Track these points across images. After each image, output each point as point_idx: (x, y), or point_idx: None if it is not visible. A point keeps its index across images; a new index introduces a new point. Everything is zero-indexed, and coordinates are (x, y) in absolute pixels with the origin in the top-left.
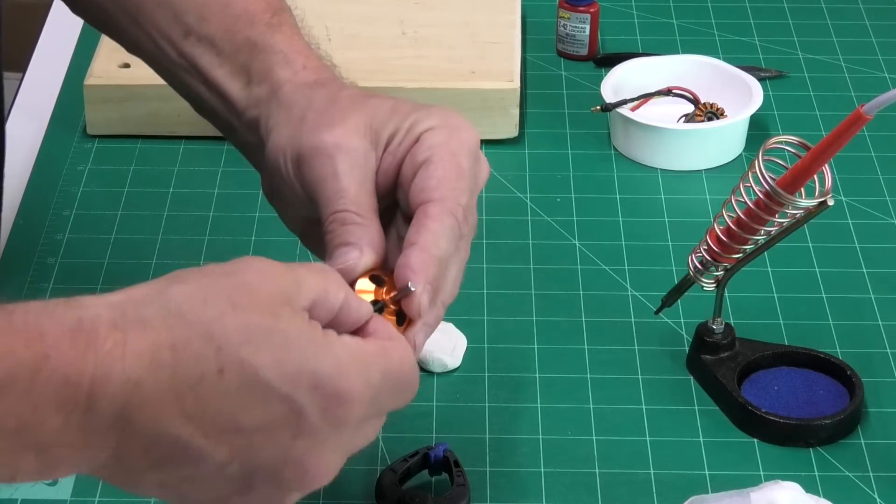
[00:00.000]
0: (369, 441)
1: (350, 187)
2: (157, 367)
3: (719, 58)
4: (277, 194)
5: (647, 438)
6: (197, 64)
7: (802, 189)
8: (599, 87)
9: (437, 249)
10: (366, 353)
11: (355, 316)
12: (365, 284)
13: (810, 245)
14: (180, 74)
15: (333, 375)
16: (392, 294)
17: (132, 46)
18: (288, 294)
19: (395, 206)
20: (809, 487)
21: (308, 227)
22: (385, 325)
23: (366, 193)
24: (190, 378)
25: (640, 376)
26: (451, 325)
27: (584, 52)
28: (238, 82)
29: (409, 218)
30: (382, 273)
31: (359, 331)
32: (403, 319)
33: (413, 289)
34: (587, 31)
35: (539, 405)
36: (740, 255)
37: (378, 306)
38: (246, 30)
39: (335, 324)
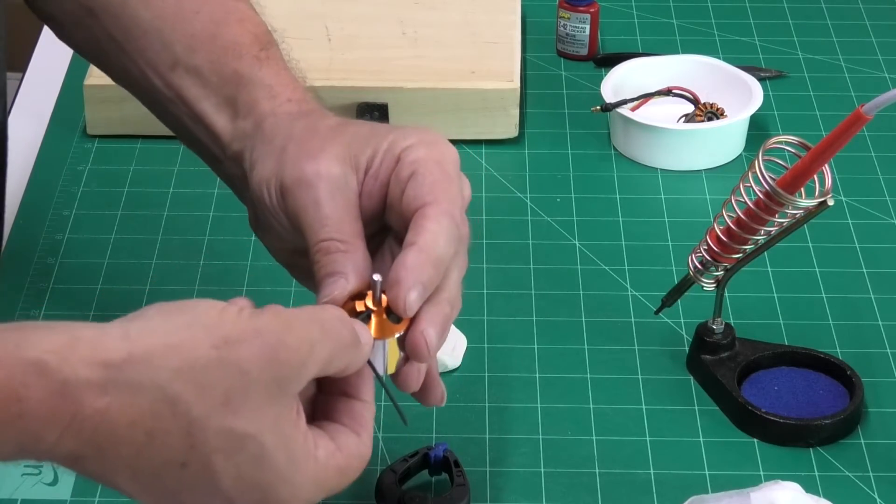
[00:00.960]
0: None
1: (332, 214)
2: (125, 444)
3: (719, 58)
4: (264, 226)
5: (647, 438)
6: (184, 95)
7: (802, 189)
8: (599, 87)
9: (435, 248)
10: (327, 478)
11: (350, 372)
12: (349, 304)
13: (810, 245)
14: (167, 105)
15: (286, 501)
16: (368, 295)
17: (119, 76)
18: (284, 383)
19: (384, 231)
20: (809, 487)
21: (295, 258)
22: (368, 387)
23: (349, 218)
24: (154, 462)
25: (640, 376)
26: (451, 325)
27: (584, 52)
28: (224, 116)
29: (403, 236)
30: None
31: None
32: (398, 318)
33: (377, 278)
34: (587, 31)
35: (539, 405)
36: (740, 255)
37: (366, 313)
38: (233, 62)
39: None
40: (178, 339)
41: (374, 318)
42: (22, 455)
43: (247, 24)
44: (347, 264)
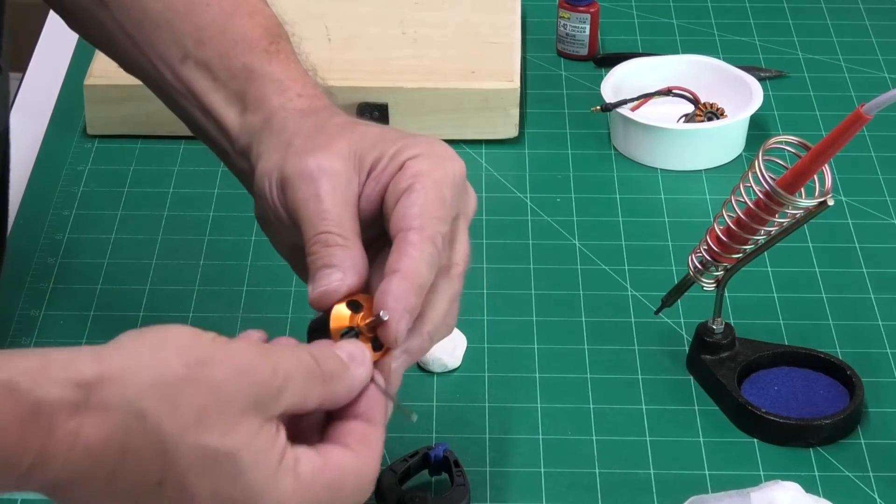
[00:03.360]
0: None
1: (332, 209)
2: (100, 464)
3: (719, 58)
4: (265, 220)
5: (647, 438)
6: (193, 89)
7: (802, 189)
8: (599, 87)
9: (418, 277)
10: (312, 494)
11: (339, 405)
12: (342, 310)
13: (810, 245)
14: (177, 97)
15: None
16: (367, 321)
17: (130, 66)
18: (261, 402)
19: (383, 236)
20: (809, 487)
21: (296, 254)
22: (377, 408)
23: (348, 216)
24: (128, 480)
25: (640, 376)
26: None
27: (584, 52)
28: (233, 109)
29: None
30: (362, 298)
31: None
32: (381, 346)
33: (385, 318)
34: (587, 31)
35: (539, 405)
36: (740, 255)
37: (353, 332)
38: (243, 56)
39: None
40: (148, 358)
41: (360, 340)
42: None
43: (257, 18)
44: (345, 259)
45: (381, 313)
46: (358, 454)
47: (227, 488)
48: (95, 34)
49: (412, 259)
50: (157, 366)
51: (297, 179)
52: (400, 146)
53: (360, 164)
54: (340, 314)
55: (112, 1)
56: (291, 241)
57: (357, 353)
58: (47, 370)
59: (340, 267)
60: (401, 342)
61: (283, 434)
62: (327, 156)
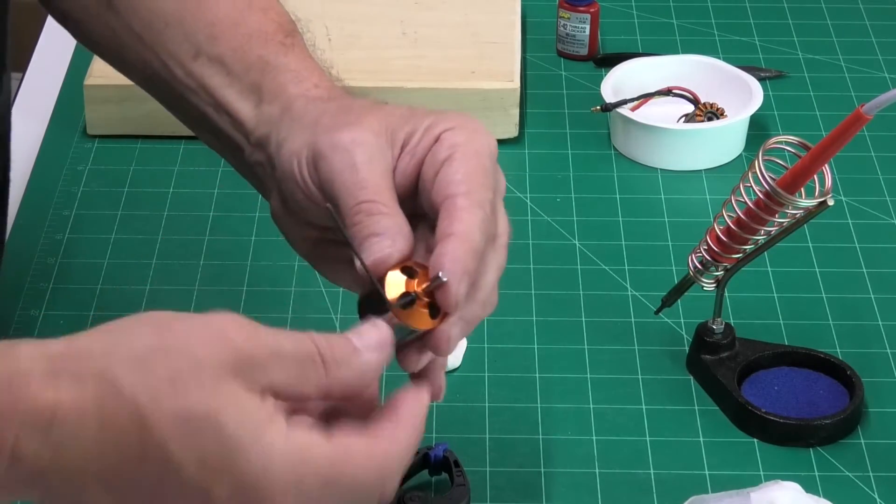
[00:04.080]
0: None
1: (370, 177)
2: (81, 437)
3: (719, 58)
4: (289, 209)
5: (647, 438)
6: (206, 84)
7: (802, 189)
8: (599, 87)
9: (473, 240)
10: (308, 463)
11: (352, 392)
12: (396, 276)
13: (810, 245)
14: (187, 96)
15: (256, 484)
16: (424, 285)
17: (139, 70)
18: (241, 367)
19: (416, 218)
20: (809, 487)
21: (318, 248)
22: (408, 405)
23: (386, 185)
24: (112, 455)
25: (640, 376)
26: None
27: (584, 52)
28: (248, 102)
29: (432, 219)
30: (415, 264)
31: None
32: (437, 312)
33: (444, 279)
34: (587, 31)
35: (539, 405)
36: (740, 255)
37: (410, 298)
38: (258, 49)
39: (328, 398)
40: (117, 330)
41: (416, 307)
42: None
43: (270, 13)
44: (392, 226)
45: (440, 274)
46: (373, 438)
47: (213, 454)
48: (101, 39)
49: (465, 223)
50: (127, 337)
51: (331, 152)
52: (433, 120)
53: (393, 138)
54: (395, 281)
55: (120, 2)
56: (314, 233)
57: (372, 338)
58: (15, 348)
59: (388, 234)
60: (461, 305)
61: (271, 402)
62: (360, 129)
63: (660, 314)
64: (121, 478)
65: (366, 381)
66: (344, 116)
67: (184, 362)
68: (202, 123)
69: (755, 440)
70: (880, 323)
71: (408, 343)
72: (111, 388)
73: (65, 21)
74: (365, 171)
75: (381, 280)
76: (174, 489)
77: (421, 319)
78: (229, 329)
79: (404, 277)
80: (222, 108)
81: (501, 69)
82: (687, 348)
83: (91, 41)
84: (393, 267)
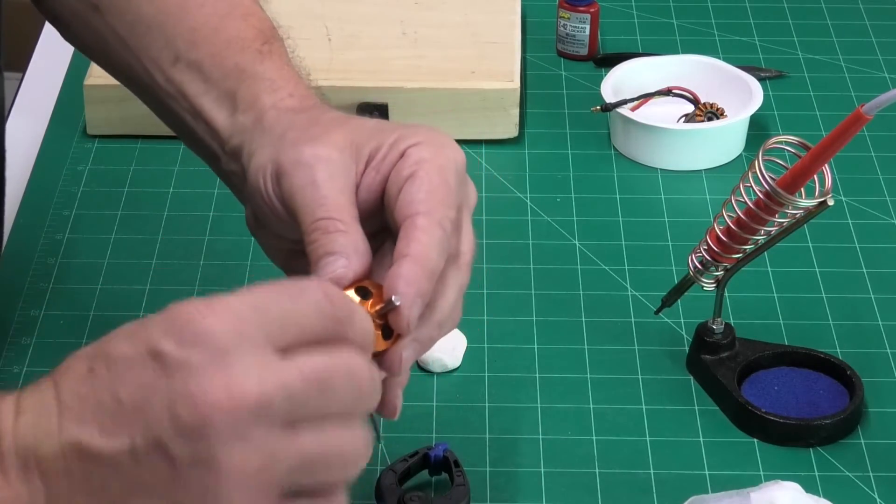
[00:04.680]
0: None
1: (330, 195)
2: (41, 390)
3: (719, 58)
4: (259, 221)
5: (647, 438)
6: (184, 91)
7: (802, 189)
8: (599, 87)
9: (429, 261)
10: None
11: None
12: (350, 297)
13: (810, 245)
14: (167, 102)
15: (181, 307)
16: (378, 307)
17: (123, 74)
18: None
19: (384, 231)
20: (809, 487)
21: (292, 260)
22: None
23: (346, 202)
24: (69, 389)
25: (640, 376)
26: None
27: (584, 52)
28: (224, 111)
29: (396, 234)
30: (370, 284)
31: None
32: (390, 333)
33: (397, 303)
34: (587, 31)
35: (539, 405)
36: (740, 255)
37: None
38: (235, 56)
39: None
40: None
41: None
42: None
43: (251, 19)
44: (348, 245)
45: (392, 298)
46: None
47: (139, 327)
48: (89, 41)
49: (422, 243)
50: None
51: (293, 168)
52: (399, 135)
53: (358, 153)
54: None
55: (105, 5)
56: (288, 245)
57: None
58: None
59: (344, 253)
60: (412, 328)
61: None
62: (323, 145)
63: (660, 314)
64: (83, 400)
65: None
66: (310, 131)
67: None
68: (182, 129)
69: (755, 440)
70: (880, 323)
71: None
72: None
73: (55, 22)
74: (325, 188)
75: None
76: (124, 373)
77: (374, 341)
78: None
79: (358, 298)
80: (199, 115)
81: (501, 69)
82: (687, 348)
83: (80, 43)
84: (347, 287)
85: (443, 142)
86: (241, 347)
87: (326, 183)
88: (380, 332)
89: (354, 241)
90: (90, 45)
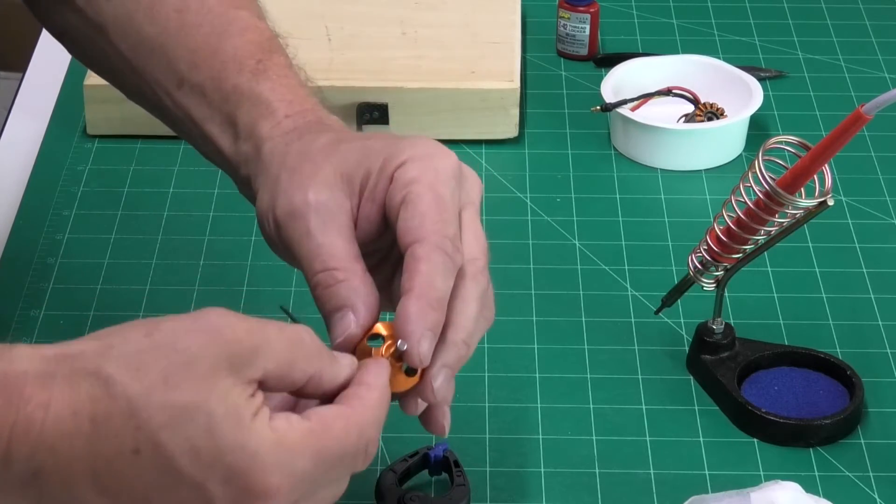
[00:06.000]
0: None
1: (324, 242)
2: (74, 435)
3: (719, 58)
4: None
5: (647, 438)
6: (191, 115)
7: (802, 189)
8: (599, 87)
9: (433, 291)
10: (293, 441)
11: (329, 385)
12: (364, 348)
13: (810, 245)
14: (179, 125)
15: (248, 469)
16: (391, 352)
17: (133, 93)
18: (235, 362)
19: (393, 252)
20: (809, 487)
21: None
22: (371, 372)
23: (342, 243)
24: (105, 453)
25: (640, 376)
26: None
27: (584, 52)
28: (228, 137)
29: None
30: (385, 326)
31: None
32: (414, 371)
33: (403, 348)
34: (587, 31)
35: (539, 405)
36: (740, 255)
37: None
38: (233, 77)
39: (305, 392)
40: (109, 334)
41: (391, 372)
42: None
43: (248, 34)
44: (351, 296)
45: (398, 343)
46: (346, 406)
47: (204, 442)
48: (96, 61)
49: (422, 274)
50: (119, 339)
51: (288, 219)
52: (384, 158)
53: (350, 186)
54: (363, 352)
55: (110, 27)
56: None
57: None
58: (11, 350)
59: (349, 306)
60: (426, 362)
61: (260, 397)
62: (312, 188)
63: (660, 314)
64: (114, 476)
65: (333, 380)
66: (300, 171)
67: (175, 359)
68: (200, 149)
69: (755, 440)
70: (880, 323)
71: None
72: (104, 386)
73: (62, 38)
74: (319, 236)
75: (352, 352)
76: (170, 487)
77: (398, 382)
78: (218, 324)
79: (371, 348)
80: (208, 140)
81: (501, 69)
82: (687, 348)
83: (88, 61)
84: (361, 340)
85: (429, 152)
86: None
87: (319, 231)
88: (402, 373)
89: (355, 288)
90: (98, 62)
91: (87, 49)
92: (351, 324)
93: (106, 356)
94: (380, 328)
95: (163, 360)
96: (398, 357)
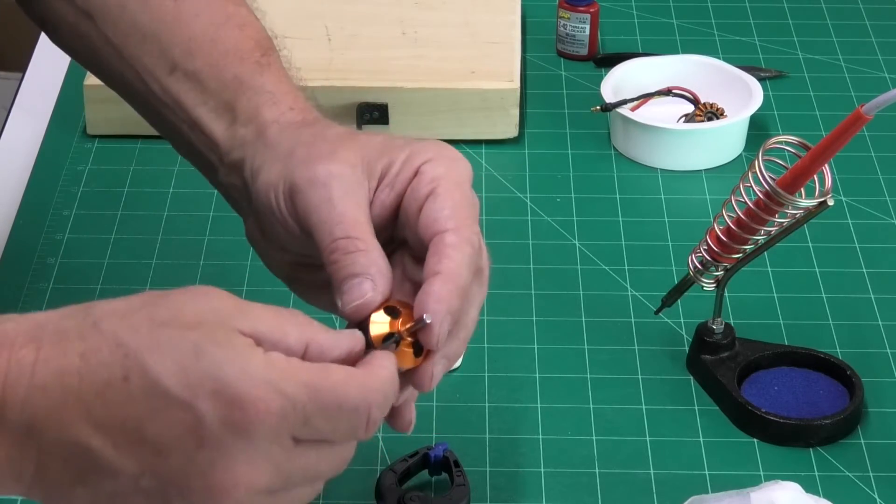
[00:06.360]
0: (322, 472)
1: (347, 212)
2: (65, 372)
3: (719, 58)
4: (267, 235)
5: (647, 438)
6: (181, 101)
7: (802, 189)
8: (599, 87)
9: (459, 279)
10: (290, 365)
11: (333, 353)
12: (380, 317)
13: (810, 245)
14: (163, 112)
15: (235, 380)
16: (408, 325)
17: (116, 81)
18: (222, 315)
19: (392, 243)
20: (809, 487)
21: (295, 271)
22: (383, 355)
23: (363, 219)
24: (96, 384)
25: (640, 376)
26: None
27: (584, 52)
28: (222, 122)
29: (416, 252)
30: (397, 303)
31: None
32: (420, 351)
33: (428, 321)
34: (587, 31)
35: (539, 405)
36: (740, 255)
37: (394, 339)
38: (234, 67)
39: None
40: (93, 304)
41: (400, 347)
42: None
43: (247, 30)
44: (370, 266)
45: (424, 316)
46: (352, 368)
47: (191, 361)
48: (81, 49)
49: (453, 261)
50: (111, 303)
51: (308, 186)
52: (409, 152)
53: (370, 170)
54: (380, 321)
55: (98, 14)
56: (294, 258)
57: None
58: (3, 316)
59: (368, 275)
60: (442, 345)
61: (251, 339)
62: (335, 162)
63: (660, 314)
64: (107, 407)
65: (342, 345)
66: (319, 148)
67: (163, 309)
68: (178, 139)
69: (755, 440)
70: (880, 323)
71: None
72: (92, 325)
73: (43, 25)
74: (342, 205)
75: (365, 321)
76: (161, 410)
77: (405, 359)
78: (205, 289)
79: (388, 318)
80: (196, 125)
81: (501, 69)
82: (687, 348)
83: (68, 48)
84: (376, 309)
85: (453, 156)
86: (268, 440)
87: (343, 200)
88: (410, 350)
89: (376, 260)
90: (79, 50)
91: (69, 35)
92: (368, 290)
93: (94, 305)
94: (392, 302)
95: (151, 310)
96: (412, 333)
